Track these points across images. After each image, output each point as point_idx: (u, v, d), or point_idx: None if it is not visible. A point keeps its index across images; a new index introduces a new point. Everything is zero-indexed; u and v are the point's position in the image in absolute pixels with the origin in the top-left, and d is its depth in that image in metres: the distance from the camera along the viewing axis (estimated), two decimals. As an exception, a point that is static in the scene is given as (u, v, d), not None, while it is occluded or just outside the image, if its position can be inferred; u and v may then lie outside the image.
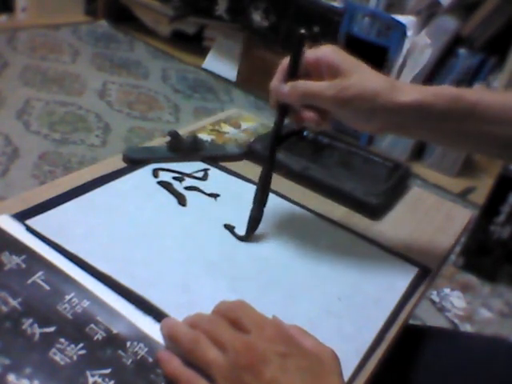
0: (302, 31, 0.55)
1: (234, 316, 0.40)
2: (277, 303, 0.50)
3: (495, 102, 0.51)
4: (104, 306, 0.43)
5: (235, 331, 0.39)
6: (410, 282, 0.57)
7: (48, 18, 2.83)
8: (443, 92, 0.52)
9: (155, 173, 0.66)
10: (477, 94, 0.51)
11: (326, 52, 0.54)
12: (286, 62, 0.56)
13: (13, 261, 0.45)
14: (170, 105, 2.36)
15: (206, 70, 2.76)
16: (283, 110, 0.56)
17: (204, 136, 0.78)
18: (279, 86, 0.55)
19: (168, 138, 0.70)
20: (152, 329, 0.42)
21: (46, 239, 0.50)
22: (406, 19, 2.16)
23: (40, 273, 0.45)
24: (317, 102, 0.54)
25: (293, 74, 0.54)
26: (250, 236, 0.59)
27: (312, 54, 0.54)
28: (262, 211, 0.59)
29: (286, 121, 0.57)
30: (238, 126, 0.84)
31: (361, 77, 0.52)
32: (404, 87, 0.52)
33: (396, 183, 0.74)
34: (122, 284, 0.47)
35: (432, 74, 2.15)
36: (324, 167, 0.73)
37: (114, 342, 0.40)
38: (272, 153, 0.58)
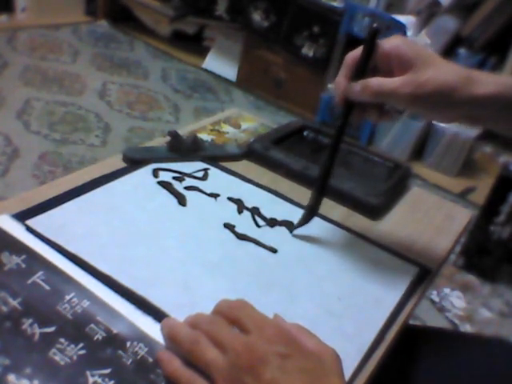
0: (375, 25, 0.53)
1: (234, 316, 0.40)
2: (277, 303, 0.50)
3: None
4: (104, 306, 0.43)
5: (235, 332, 0.39)
6: (410, 282, 0.57)
7: (48, 18, 2.83)
8: None
9: (155, 173, 0.66)
10: None
11: (397, 44, 0.51)
12: (351, 57, 0.53)
13: (13, 261, 0.45)
14: (169, 105, 2.36)
15: (206, 70, 2.76)
16: (350, 107, 0.54)
17: (204, 136, 0.78)
18: (347, 83, 0.53)
19: (168, 138, 0.70)
20: (152, 329, 0.42)
21: (46, 239, 0.50)
22: (406, 19, 2.16)
23: (40, 273, 0.45)
24: (391, 99, 0.51)
25: (363, 70, 0.52)
26: (301, 224, 0.60)
27: (380, 46, 0.52)
28: (319, 201, 0.59)
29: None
30: (237, 126, 0.84)
31: (435, 71, 0.49)
32: (481, 78, 0.50)
33: (396, 183, 0.74)
34: (122, 284, 0.47)
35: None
36: (324, 167, 0.73)
37: (114, 342, 0.40)
38: (336, 144, 0.58)
